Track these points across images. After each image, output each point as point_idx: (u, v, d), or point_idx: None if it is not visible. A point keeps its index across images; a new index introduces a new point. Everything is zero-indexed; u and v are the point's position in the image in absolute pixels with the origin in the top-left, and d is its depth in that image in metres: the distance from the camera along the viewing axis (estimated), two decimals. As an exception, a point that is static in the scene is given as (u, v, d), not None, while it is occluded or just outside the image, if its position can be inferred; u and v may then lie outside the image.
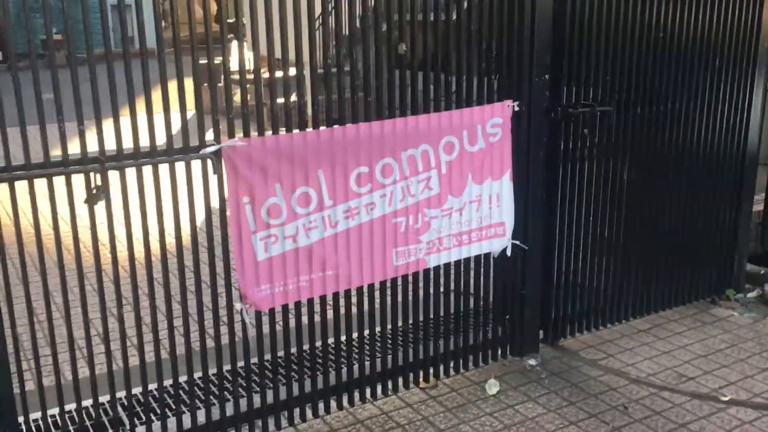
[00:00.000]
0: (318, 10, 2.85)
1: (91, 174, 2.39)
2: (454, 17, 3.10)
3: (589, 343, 3.79)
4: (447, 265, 3.28)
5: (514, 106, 3.27)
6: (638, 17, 3.57)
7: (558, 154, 3.52)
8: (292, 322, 2.97)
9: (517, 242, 3.41)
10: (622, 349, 3.71)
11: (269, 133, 2.74)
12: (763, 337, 3.84)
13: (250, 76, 2.85)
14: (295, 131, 2.77)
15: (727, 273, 4.36)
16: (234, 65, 2.73)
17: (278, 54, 2.70)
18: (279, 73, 2.74)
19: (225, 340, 2.88)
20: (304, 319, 2.99)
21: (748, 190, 4.31)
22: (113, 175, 2.47)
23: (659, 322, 4.03)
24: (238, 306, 2.78)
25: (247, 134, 2.69)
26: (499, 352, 3.59)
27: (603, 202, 3.72)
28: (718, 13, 3.84)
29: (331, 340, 3.18)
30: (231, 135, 2.64)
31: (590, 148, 3.60)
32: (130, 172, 2.50)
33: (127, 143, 2.50)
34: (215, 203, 2.70)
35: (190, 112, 2.60)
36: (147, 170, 2.55)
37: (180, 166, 2.58)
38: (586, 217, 3.68)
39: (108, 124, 2.41)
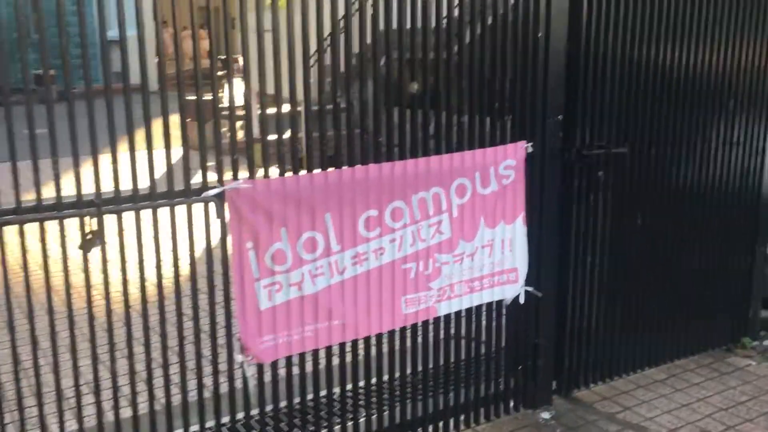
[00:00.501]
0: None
1: (86, 218, 2.24)
2: (468, 57, 2.99)
3: (604, 394, 3.62)
4: (458, 313, 3.13)
5: (527, 147, 3.15)
6: (652, 58, 3.48)
7: (571, 197, 3.40)
8: (282, 372, 2.80)
9: (530, 289, 3.26)
10: (640, 401, 3.54)
11: (275, 174, 2.61)
12: (784, 388, 3.69)
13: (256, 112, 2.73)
14: (302, 173, 2.65)
15: (743, 320, 4.21)
16: (237, 102, 2.61)
17: (275, 90, 2.58)
18: (284, 108, 2.61)
19: (224, 388, 2.70)
20: (295, 369, 2.81)
21: (763, 236, 4.19)
22: (110, 219, 2.33)
23: (675, 371, 3.87)
24: (239, 358, 2.61)
25: (251, 176, 2.56)
26: (512, 405, 3.41)
27: (617, 247, 3.59)
28: (732, 55, 3.76)
29: (335, 390, 2.99)
30: (235, 176, 2.51)
31: (605, 191, 3.48)
32: (128, 216, 2.36)
33: (125, 184, 2.36)
34: (217, 248, 2.55)
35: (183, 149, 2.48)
36: (146, 214, 2.40)
37: (181, 209, 2.44)
38: (600, 262, 3.54)
39: (104, 164, 2.28)
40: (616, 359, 3.73)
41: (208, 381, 2.75)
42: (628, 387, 3.69)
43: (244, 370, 2.62)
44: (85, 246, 2.23)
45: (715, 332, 4.11)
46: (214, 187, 2.46)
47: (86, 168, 2.29)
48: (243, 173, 2.54)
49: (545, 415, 3.41)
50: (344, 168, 2.71)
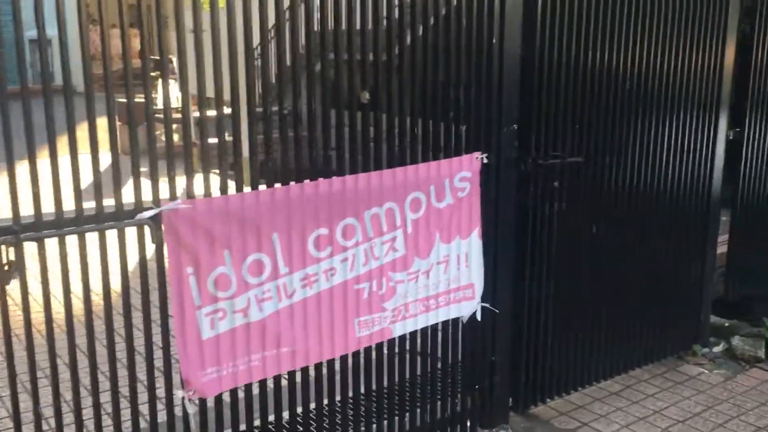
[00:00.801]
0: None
1: (3, 247, 1.99)
2: (421, 63, 2.84)
3: (561, 409, 3.53)
4: (413, 333, 2.97)
5: (482, 158, 3.02)
6: (606, 66, 3.40)
7: (527, 208, 3.28)
8: (226, 396, 2.59)
9: (487, 305, 3.14)
10: (597, 416, 3.47)
11: (216, 192, 2.40)
12: (737, 397, 3.67)
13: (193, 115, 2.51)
14: (246, 189, 2.44)
15: (693, 327, 4.20)
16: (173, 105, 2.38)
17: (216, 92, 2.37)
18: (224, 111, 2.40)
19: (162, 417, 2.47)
20: (241, 393, 2.61)
21: (712, 242, 4.18)
22: (29, 247, 2.07)
23: (630, 382, 3.81)
24: (179, 394, 2.39)
25: (190, 194, 2.34)
26: (468, 425, 3.28)
27: (573, 258, 3.50)
28: (683, 64, 3.72)
29: (283, 414, 2.79)
30: (172, 195, 2.29)
31: (560, 202, 3.38)
32: (51, 243, 2.11)
33: (47, 206, 2.11)
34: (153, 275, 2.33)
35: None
36: (71, 240, 2.15)
37: (111, 233, 2.20)
38: (556, 274, 3.44)
39: (23, 182, 2.03)
40: (573, 373, 3.65)
41: (144, 409, 2.51)
42: (584, 401, 3.61)
43: (186, 407, 2.39)
44: (1, 278, 1.98)
45: (668, 340, 4.08)
46: (150, 209, 2.23)
47: (1, 185, 2.03)
48: (179, 178, 2.31)
49: (503, 434, 3.30)
50: (292, 184, 2.52)
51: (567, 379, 3.64)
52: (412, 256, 2.85)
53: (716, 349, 4.20)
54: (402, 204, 2.78)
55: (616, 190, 3.61)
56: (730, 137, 4.15)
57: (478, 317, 3.12)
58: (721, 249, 4.59)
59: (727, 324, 4.36)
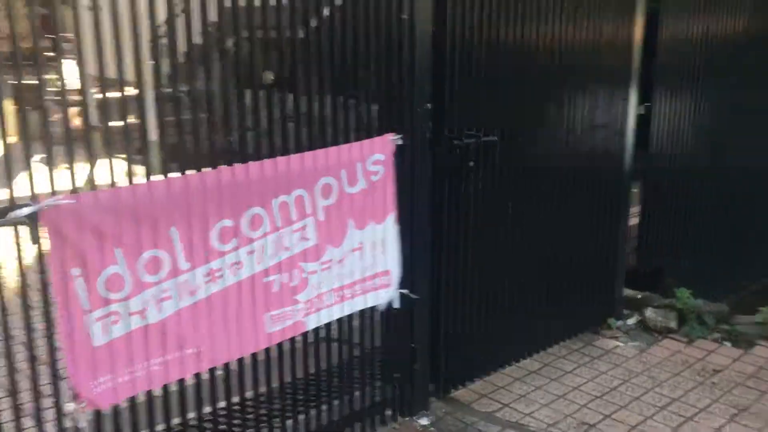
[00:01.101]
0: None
1: None
2: (328, 41, 2.68)
3: (482, 391, 3.48)
4: (328, 324, 2.84)
5: (396, 139, 2.90)
6: (518, 44, 3.33)
7: (443, 190, 3.19)
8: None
9: (405, 291, 3.03)
10: (517, 396, 3.44)
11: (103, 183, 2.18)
12: (652, 369, 3.72)
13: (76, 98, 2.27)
14: (139, 180, 2.23)
15: (608, 301, 4.24)
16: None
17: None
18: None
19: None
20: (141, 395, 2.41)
21: (624, 217, 4.22)
22: None
23: (549, 360, 3.81)
24: (69, 407, 2.17)
25: (74, 187, 2.11)
26: (389, 414, 3.19)
27: (489, 239, 3.44)
28: (594, 41, 3.70)
29: (190, 416, 2.61)
30: (53, 190, 2.06)
31: (476, 182, 3.30)
32: None
33: None
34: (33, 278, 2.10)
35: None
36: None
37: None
38: (473, 256, 3.38)
39: None
40: (492, 354, 3.62)
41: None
42: (504, 381, 3.58)
43: (77, 421, 2.18)
44: None
45: (584, 315, 4.11)
46: (26, 205, 1.99)
47: None
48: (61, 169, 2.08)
49: (423, 421, 3.22)
50: (191, 173, 2.32)
51: (487, 361, 3.60)
52: (324, 244, 2.71)
53: (630, 322, 4.25)
54: (312, 190, 2.63)
55: (531, 168, 3.57)
56: (641, 112, 4.18)
57: (396, 305, 3.02)
58: (633, 221, 4.66)
59: (639, 296, 4.43)
